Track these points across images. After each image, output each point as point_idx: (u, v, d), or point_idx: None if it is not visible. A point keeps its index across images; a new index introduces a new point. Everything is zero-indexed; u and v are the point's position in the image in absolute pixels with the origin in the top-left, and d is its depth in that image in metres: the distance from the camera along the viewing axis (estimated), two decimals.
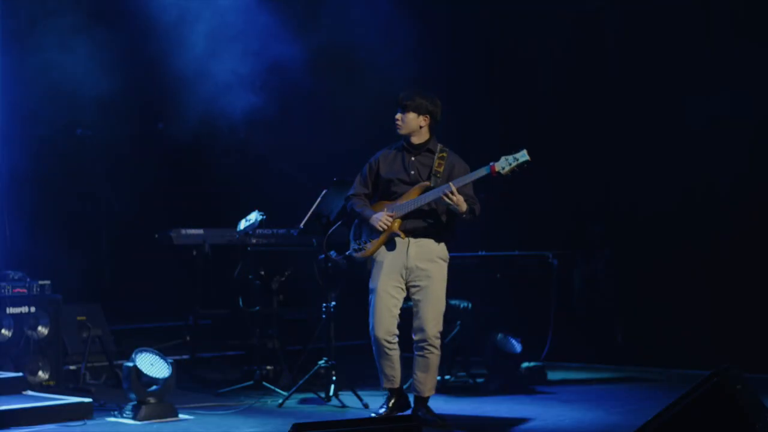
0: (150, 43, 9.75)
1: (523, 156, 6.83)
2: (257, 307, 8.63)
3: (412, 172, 7.08)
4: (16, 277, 8.37)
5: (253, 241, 8.59)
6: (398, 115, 7.06)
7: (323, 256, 7.67)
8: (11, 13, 9.02)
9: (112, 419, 7.28)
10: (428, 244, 7.04)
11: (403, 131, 7.08)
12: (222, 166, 10.32)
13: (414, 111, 7.04)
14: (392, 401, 7.15)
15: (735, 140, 9.18)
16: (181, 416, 7.35)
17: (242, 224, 8.30)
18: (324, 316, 8.02)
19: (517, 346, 8.55)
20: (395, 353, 7.07)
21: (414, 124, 7.08)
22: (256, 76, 9.66)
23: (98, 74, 9.63)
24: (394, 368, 7.07)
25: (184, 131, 10.01)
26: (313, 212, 7.98)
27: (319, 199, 7.91)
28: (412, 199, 7.00)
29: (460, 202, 6.88)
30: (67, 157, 9.79)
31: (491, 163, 6.88)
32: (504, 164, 6.85)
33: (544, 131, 10.15)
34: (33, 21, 9.15)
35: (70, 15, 9.17)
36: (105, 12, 9.59)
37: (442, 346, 7.10)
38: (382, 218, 7.02)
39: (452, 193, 6.84)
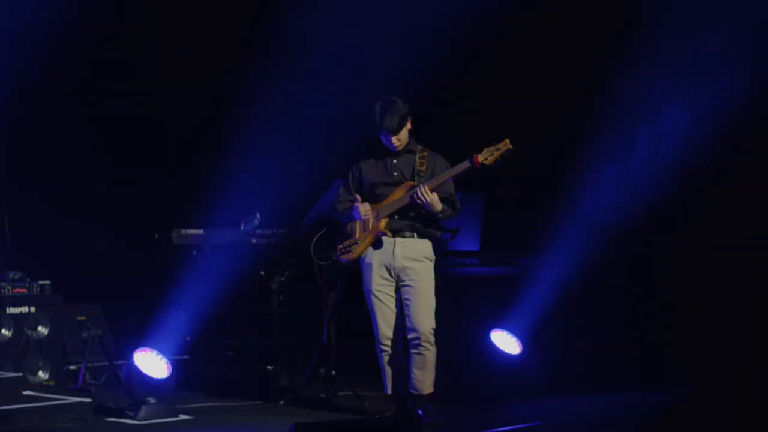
0: (153, 41, 9.77)
1: (505, 145, 6.87)
2: (257, 307, 8.63)
3: (395, 174, 7.12)
4: (16, 277, 8.38)
5: (253, 241, 8.59)
6: (393, 139, 7.07)
7: (324, 256, 7.66)
8: None
9: (112, 419, 7.28)
10: (413, 243, 7.08)
11: (401, 147, 7.13)
12: (222, 166, 10.32)
13: (403, 127, 7.08)
14: (395, 407, 7.17)
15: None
16: (181, 416, 7.35)
17: (242, 224, 8.31)
18: (324, 316, 8.02)
19: (517, 347, 8.54)
20: (399, 356, 7.11)
21: (406, 135, 7.12)
22: (258, 76, 9.67)
23: (100, 74, 9.64)
24: (398, 372, 7.11)
25: (184, 131, 10.02)
26: (313, 212, 7.98)
27: (319, 200, 7.92)
28: (397, 199, 7.04)
29: (434, 202, 6.92)
30: (67, 157, 9.79)
31: (474, 155, 6.91)
32: (486, 155, 6.89)
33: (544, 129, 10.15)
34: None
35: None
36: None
37: (438, 344, 7.11)
38: (362, 210, 7.06)
39: (424, 192, 6.88)
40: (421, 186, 6.93)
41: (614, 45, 9.36)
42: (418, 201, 6.94)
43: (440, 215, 7.03)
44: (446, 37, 9.64)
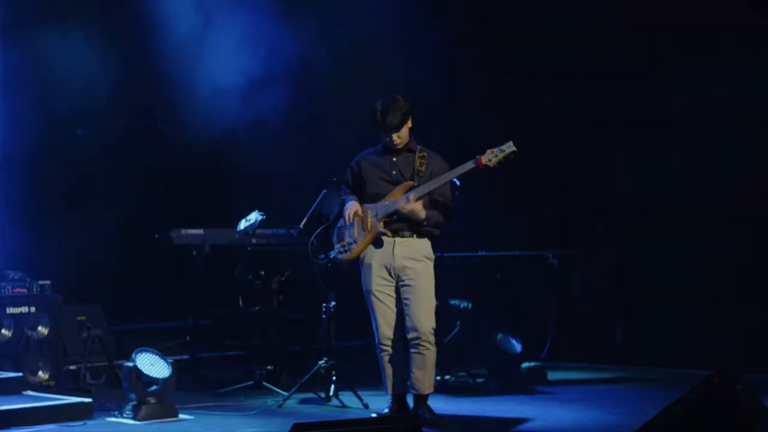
0: (152, 43, 9.76)
1: (509, 147, 6.86)
2: (257, 307, 8.63)
3: (394, 172, 7.12)
4: (16, 277, 8.37)
5: (253, 241, 8.59)
6: (394, 136, 7.06)
7: (323, 256, 7.67)
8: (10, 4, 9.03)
9: (112, 419, 7.28)
10: (413, 243, 7.07)
11: (401, 145, 7.12)
12: (222, 166, 10.33)
13: (404, 124, 7.08)
14: (395, 407, 7.17)
15: (738, 138, 9.18)
16: (181, 416, 7.35)
17: (242, 224, 8.31)
18: (324, 316, 8.01)
19: (517, 346, 8.55)
20: (400, 355, 7.11)
21: (407, 134, 7.12)
22: (256, 77, 9.67)
23: (99, 74, 9.64)
24: (399, 372, 7.12)
25: (184, 131, 10.02)
26: (313, 212, 7.98)
27: (319, 199, 7.92)
28: (396, 199, 7.03)
29: (417, 211, 6.94)
30: (67, 157, 9.79)
31: (477, 156, 6.90)
32: (490, 156, 6.87)
33: (544, 128, 10.17)
34: (32, 15, 9.15)
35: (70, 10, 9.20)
36: (108, 9, 9.60)
37: (441, 345, 7.10)
38: (349, 210, 7.09)
39: (407, 203, 6.90)
40: (409, 194, 6.94)
41: (614, 44, 9.38)
42: (402, 210, 6.95)
43: (425, 223, 7.03)
44: (447, 37, 9.66)
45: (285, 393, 7.93)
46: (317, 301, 8.14)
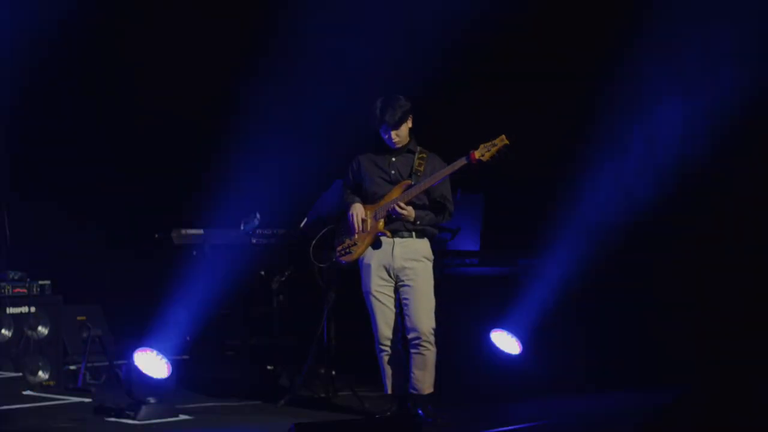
0: (153, 41, 9.78)
1: (501, 141, 6.87)
2: (257, 307, 8.63)
3: (393, 172, 7.11)
4: (16, 277, 8.37)
5: (253, 241, 8.59)
6: (393, 134, 7.06)
7: (323, 257, 7.67)
8: None
9: (112, 419, 7.28)
10: (412, 243, 7.08)
11: (401, 144, 7.11)
12: (223, 166, 10.32)
13: (405, 122, 7.07)
14: (395, 407, 7.17)
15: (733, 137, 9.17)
16: (181, 416, 7.35)
17: (242, 224, 8.31)
18: (324, 316, 8.01)
19: (517, 347, 8.55)
20: (399, 356, 7.11)
21: (406, 132, 7.11)
22: (258, 76, 9.68)
23: (99, 73, 9.65)
24: (398, 373, 7.12)
25: (185, 131, 10.02)
26: (313, 212, 7.98)
27: (319, 199, 7.92)
28: (394, 198, 7.02)
29: (406, 215, 6.95)
30: (67, 156, 9.79)
31: (470, 151, 6.91)
32: (483, 151, 6.88)
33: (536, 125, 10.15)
34: None
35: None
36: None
37: (438, 344, 7.11)
38: (356, 216, 7.07)
39: (401, 207, 6.91)
40: (396, 202, 6.94)
41: (614, 45, 9.36)
42: (395, 213, 6.95)
43: (418, 222, 7.03)
44: (446, 38, 9.64)
45: (285, 393, 7.93)
46: (317, 301, 8.13)
